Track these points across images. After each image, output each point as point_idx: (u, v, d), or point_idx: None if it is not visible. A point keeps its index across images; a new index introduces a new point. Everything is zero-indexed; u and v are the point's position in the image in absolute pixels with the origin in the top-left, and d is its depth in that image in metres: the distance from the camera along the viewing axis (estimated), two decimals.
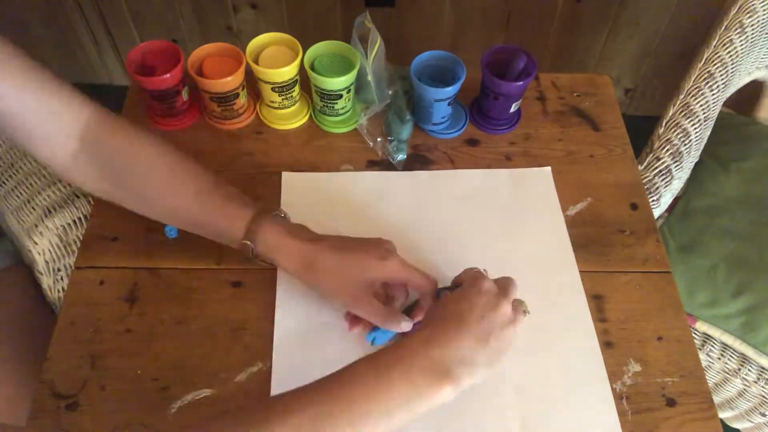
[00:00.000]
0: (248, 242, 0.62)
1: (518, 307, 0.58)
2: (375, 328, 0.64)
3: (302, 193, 0.79)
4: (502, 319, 0.55)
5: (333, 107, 0.82)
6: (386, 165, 0.82)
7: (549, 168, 0.82)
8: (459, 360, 0.52)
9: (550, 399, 0.64)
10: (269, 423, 0.47)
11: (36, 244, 0.84)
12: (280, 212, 0.66)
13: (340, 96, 0.80)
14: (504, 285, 0.59)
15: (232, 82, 0.78)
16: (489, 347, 0.53)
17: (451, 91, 0.79)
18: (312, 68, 0.79)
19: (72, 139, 0.62)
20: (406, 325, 0.62)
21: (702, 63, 1.00)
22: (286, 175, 0.80)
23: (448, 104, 0.81)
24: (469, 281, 0.59)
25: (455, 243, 0.75)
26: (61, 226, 0.86)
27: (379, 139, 0.82)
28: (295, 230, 0.64)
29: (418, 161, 0.83)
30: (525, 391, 0.64)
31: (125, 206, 0.67)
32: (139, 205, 0.66)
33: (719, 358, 1.01)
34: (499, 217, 0.77)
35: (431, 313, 0.60)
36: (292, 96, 0.82)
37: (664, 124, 1.03)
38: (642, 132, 1.06)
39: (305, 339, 0.67)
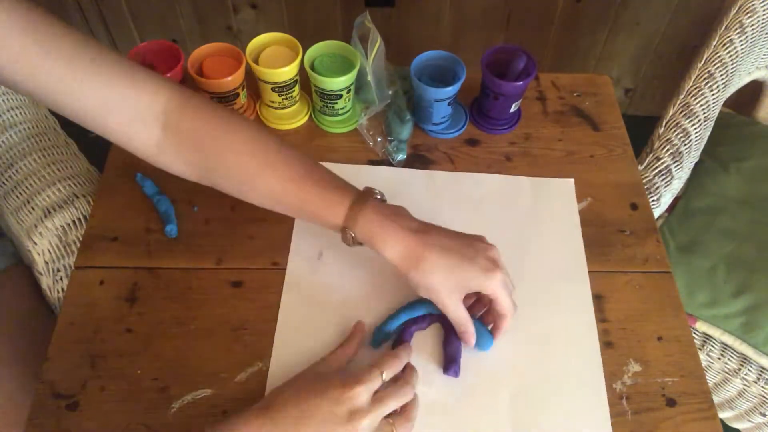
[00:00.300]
0: (348, 229, 0.61)
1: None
2: (378, 332, 0.66)
3: None
4: None
5: (333, 107, 0.82)
6: (386, 165, 0.82)
7: (572, 180, 0.81)
8: None
9: (543, 400, 0.64)
10: None
11: (35, 244, 0.84)
12: (378, 194, 0.64)
13: (340, 96, 0.80)
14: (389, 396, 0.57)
15: (231, 82, 0.78)
16: None
17: (450, 91, 0.79)
18: (312, 68, 0.79)
19: (152, 127, 0.59)
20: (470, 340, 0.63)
21: (702, 63, 1.00)
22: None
23: (448, 104, 0.81)
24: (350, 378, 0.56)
25: None
26: (61, 226, 0.85)
27: (379, 139, 0.82)
28: (397, 217, 0.62)
29: (417, 161, 0.83)
30: (520, 394, 0.64)
31: (220, 190, 0.65)
32: (232, 190, 0.64)
33: (719, 358, 1.01)
34: (516, 225, 0.77)
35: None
36: (292, 96, 0.82)
37: (664, 124, 1.03)
38: (642, 132, 1.06)
39: (306, 342, 0.66)
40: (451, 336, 0.66)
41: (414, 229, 0.61)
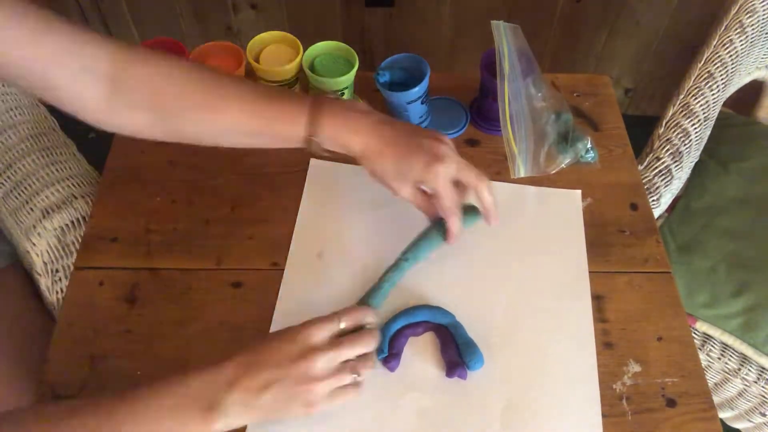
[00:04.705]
0: (313, 137, 0.62)
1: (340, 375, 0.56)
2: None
3: (326, 182, 0.79)
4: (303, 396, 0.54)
5: None
6: None
7: (579, 191, 0.80)
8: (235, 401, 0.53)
9: (536, 410, 0.63)
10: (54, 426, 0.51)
11: (34, 245, 0.84)
12: (332, 94, 0.66)
13: None
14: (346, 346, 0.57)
15: None
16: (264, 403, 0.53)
17: (418, 91, 0.77)
18: (312, 67, 0.79)
19: (101, 81, 0.58)
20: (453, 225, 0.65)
21: (702, 63, 1.00)
22: (313, 162, 0.81)
23: (422, 102, 0.80)
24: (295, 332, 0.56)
25: (468, 254, 0.74)
26: (60, 227, 0.85)
27: None
28: (355, 112, 0.64)
29: None
30: (513, 404, 0.63)
31: (169, 139, 0.64)
32: (190, 132, 0.64)
33: (719, 358, 1.01)
34: (520, 235, 0.76)
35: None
36: None
37: (664, 124, 1.03)
38: (642, 132, 1.06)
39: None
40: (447, 343, 0.66)
41: (369, 122, 0.64)
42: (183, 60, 0.63)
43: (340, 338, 0.57)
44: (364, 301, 0.67)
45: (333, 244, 0.74)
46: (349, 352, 0.57)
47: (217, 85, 0.62)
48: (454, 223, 0.65)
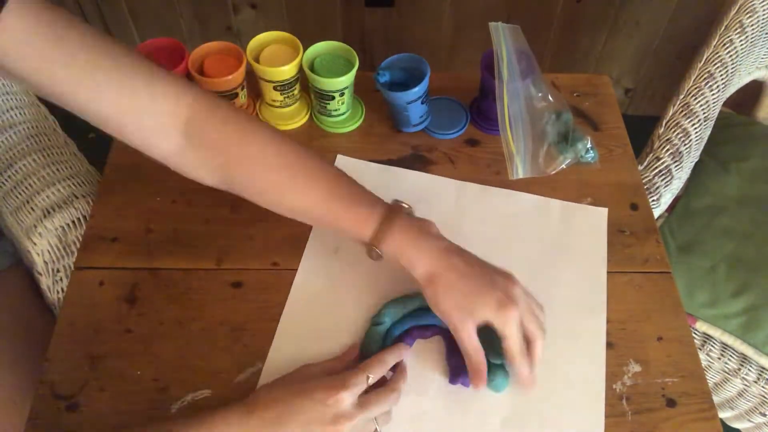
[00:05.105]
0: (375, 246, 0.61)
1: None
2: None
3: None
4: None
5: (326, 107, 0.82)
6: (387, 164, 0.82)
7: (606, 209, 0.79)
8: None
9: (540, 418, 0.63)
10: None
11: (35, 244, 0.84)
12: (406, 208, 0.64)
13: (332, 98, 0.80)
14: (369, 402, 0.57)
15: (231, 81, 0.77)
16: None
17: (418, 91, 0.77)
18: (312, 67, 0.79)
19: (173, 135, 0.58)
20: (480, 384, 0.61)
21: (702, 63, 1.00)
22: (340, 158, 0.82)
23: (422, 102, 0.80)
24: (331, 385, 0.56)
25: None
26: (60, 226, 0.85)
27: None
28: (425, 236, 0.61)
29: (417, 161, 0.82)
30: (515, 415, 0.63)
31: (238, 195, 0.63)
32: (253, 199, 0.63)
33: (719, 358, 1.01)
34: (541, 249, 0.75)
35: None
36: (293, 94, 0.82)
37: (664, 124, 1.03)
38: (642, 132, 1.06)
39: (305, 344, 0.66)
40: (454, 348, 0.65)
41: (441, 248, 0.60)
42: (259, 125, 0.61)
43: (367, 397, 0.57)
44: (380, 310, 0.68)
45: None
46: (376, 412, 0.57)
47: (291, 166, 0.61)
48: (524, 366, 0.60)
